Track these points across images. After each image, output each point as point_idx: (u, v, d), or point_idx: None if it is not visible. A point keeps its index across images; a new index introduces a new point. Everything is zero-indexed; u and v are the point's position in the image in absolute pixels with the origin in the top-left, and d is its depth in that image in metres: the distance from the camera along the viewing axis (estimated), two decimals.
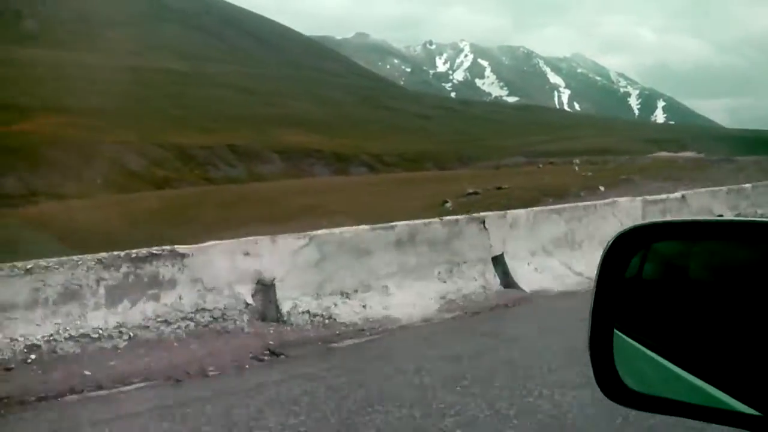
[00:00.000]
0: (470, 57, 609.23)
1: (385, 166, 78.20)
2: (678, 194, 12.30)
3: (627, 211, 10.77)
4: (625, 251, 1.60)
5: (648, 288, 1.66)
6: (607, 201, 10.87)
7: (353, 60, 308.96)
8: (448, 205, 18.98)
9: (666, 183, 19.80)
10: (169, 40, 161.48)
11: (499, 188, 21.47)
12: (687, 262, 1.61)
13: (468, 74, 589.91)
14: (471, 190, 21.25)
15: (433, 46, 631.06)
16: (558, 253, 9.65)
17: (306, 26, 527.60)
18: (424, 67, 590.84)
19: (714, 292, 1.49)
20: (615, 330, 1.59)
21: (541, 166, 38.62)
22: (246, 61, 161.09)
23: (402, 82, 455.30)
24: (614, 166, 31.41)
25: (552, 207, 10.30)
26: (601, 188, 19.28)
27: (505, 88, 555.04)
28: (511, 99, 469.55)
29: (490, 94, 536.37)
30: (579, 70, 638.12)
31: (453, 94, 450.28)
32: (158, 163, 64.45)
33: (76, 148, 59.23)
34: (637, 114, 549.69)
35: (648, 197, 11.62)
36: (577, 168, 30.08)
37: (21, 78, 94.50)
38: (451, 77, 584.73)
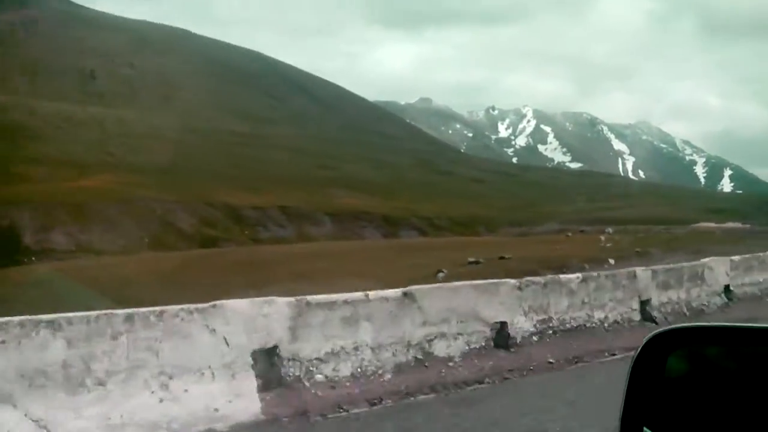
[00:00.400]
0: (533, 123, 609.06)
1: (435, 229, 78.13)
2: (397, 291, 8.35)
3: (244, 324, 6.88)
4: (657, 352, 1.64)
5: (678, 388, 1.67)
6: (203, 306, 6.79)
7: (415, 124, 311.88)
8: (441, 275, 18.64)
9: (689, 256, 19.16)
10: (234, 102, 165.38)
11: (502, 257, 21.06)
12: (718, 363, 1.65)
13: (530, 140, 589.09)
14: (473, 259, 20.88)
15: (496, 112, 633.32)
16: (26, 403, 5.55)
17: (371, 91, 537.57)
18: (486, 132, 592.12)
19: (743, 394, 1.55)
20: (644, 429, 1.59)
21: (569, 234, 37.94)
22: (307, 124, 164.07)
23: (463, 147, 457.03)
24: (643, 236, 30.62)
25: (39, 318, 5.86)
26: (611, 261, 18.77)
27: (568, 154, 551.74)
28: (574, 165, 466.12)
29: (552, 159, 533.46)
30: (644, 137, 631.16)
31: (515, 160, 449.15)
32: (208, 222, 65.50)
33: (128, 205, 60.82)
34: (703, 183, 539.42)
35: (311, 298, 7.56)
36: (603, 238, 29.46)
37: (87, 135, 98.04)
38: (513, 142, 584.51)
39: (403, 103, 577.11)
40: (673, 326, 1.70)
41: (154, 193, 66.32)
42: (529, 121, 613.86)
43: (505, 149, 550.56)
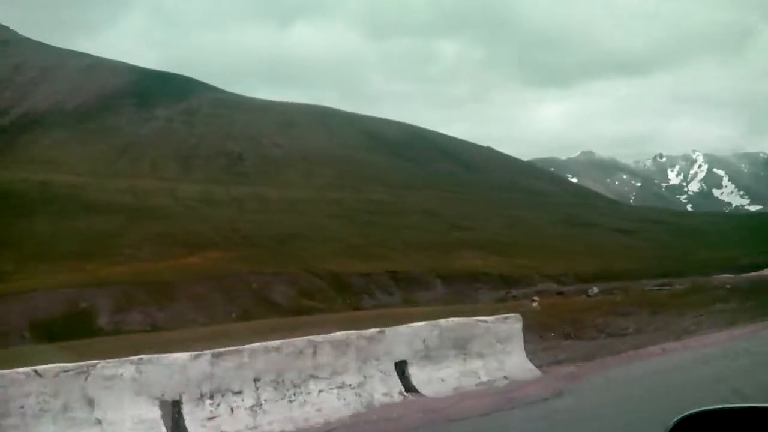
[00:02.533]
0: (705, 167, 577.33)
1: (560, 287, 72.94)
2: None
3: None
4: None
5: None
6: None
7: (578, 179, 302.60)
8: None
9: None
10: (377, 172, 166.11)
11: None
12: None
13: (704, 185, 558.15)
14: None
15: (664, 159, 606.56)
16: None
17: (530, 150, 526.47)
18: (656, 181, 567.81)
19: None
20: None
21: (536, 298, 32.40)
22: (449, 188, 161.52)
23: (632, 198, 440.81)
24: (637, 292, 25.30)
25: None
26: None
27: (746, 197, 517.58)
28: (754, 208, 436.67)
29: (730, 203, 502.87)
30: None
31: (689, 207, 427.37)
32: (307, 293, 63.99)
33: (221, 281, 60.51)
34: None
35: None
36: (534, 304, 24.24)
37: (219, 214, 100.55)
38: (685, 189, 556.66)
39: (564, 158, 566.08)
40: (704, 408, 1.68)
41: (255, 266, 65.93)
42: (700, 165, 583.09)
43: (678, 196, 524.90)
